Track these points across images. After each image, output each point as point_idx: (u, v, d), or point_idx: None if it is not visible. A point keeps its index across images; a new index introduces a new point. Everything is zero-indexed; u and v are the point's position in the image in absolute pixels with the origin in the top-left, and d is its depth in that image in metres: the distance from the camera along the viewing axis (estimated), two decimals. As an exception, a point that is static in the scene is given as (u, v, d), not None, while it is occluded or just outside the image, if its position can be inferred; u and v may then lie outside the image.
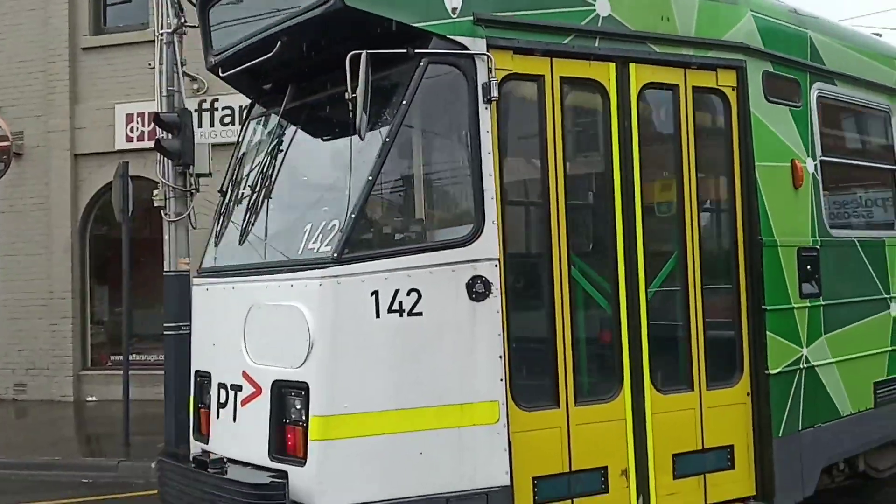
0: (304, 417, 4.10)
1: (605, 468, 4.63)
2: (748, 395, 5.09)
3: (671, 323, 4.98)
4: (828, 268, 5.58)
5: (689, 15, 5.02)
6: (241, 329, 4.51)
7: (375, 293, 4.08)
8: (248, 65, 4.81)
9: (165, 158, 9.17)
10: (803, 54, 5.68)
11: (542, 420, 4.45)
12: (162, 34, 9.29)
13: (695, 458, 4.90)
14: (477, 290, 4.20)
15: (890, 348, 6.17)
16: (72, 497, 7.82)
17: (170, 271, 9.33)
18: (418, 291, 4.13)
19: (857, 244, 5.97)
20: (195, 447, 4.96)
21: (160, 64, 9.31)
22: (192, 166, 9.17)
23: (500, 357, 4.25)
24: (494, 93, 4.28)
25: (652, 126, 5.01)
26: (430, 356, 4.17)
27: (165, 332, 9.32)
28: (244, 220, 4.90)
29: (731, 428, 5.03)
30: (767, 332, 5.08)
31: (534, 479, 4.39)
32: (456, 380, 4.19)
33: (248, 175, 5.15)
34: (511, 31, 4.45)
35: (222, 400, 4.64)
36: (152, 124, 10.59)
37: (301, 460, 4.08)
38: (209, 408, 4.85)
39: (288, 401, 4.21)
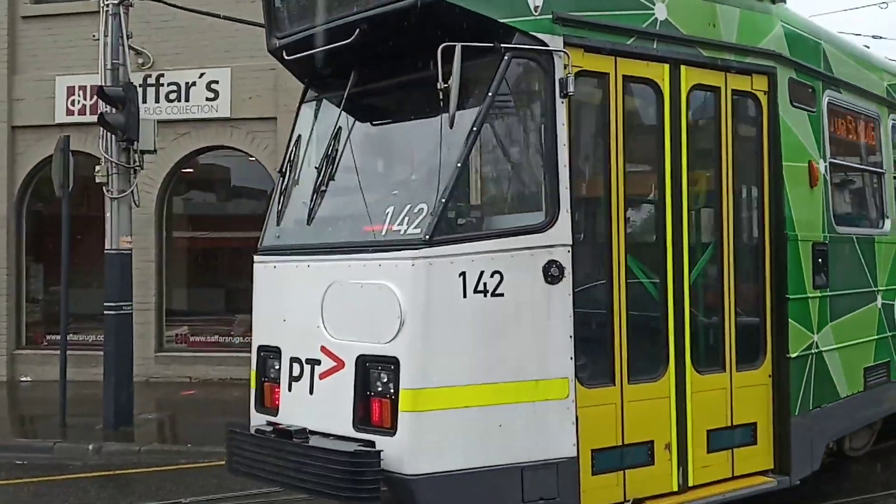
0: (392, 390, 4.30)
1: (652, 442, 4.99)
2: (769, 376, 5.52)
3: (707, 309, 5.36)
4: (834, 261, 6.08)
5: (732, 23, 5.40)
6: (319, 305, 4.66)
7: (463, 274, 4.31)
8: (320, 49, 4.93)
9: (109, 133, 9.08)
10: (818, 63, 6.14)
11: (601, 396, 4.76)
12: (107, 5, 9.15)
13: (725, 433, 5.31)
14: (552, 273, 4.47)
15: (876, 336, 6.75)
16: (5, 479, 7.69)
17: (111, 250, 9.28)
18: (500, 273, 4.38)
19: (855, 240, 6.50)
20: (257, 419, 5.09)
21: (105, 36, 9.18)
22: (136, 142, 9.08)
23: (570, 337, 4.54)
24: (571, 88, 4.54)
25: (697, 126, 5.35)
26: (510, 334, 4.43)
27: (106, 312, 9.28)
28: (313, 200, 5.02)
29: (755, 406, 5.46)
30: (789, 320, 5.53)
31: (592, 451, 4.71)
32: (532, 357, 4.47)
33: (312, 157, 5.26)
34: (583, 30, 4.72)
35: (295, 374, 4.79)
36: (95, 98, 10.43)
37: (389, 430, 4.28)
38: (275, 381, 5.00)
39: (374, 374, 4.40)
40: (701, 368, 5.20)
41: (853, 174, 6.93)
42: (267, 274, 5.16)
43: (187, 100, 12.52)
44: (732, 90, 5.40)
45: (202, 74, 12.35)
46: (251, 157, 12.51)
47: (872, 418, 6.89)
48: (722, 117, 5.36)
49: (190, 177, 13.44)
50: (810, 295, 5.80)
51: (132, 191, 9.27)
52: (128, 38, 9.29)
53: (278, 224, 5.30)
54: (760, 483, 5.36)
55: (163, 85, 12.52)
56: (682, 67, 5.15)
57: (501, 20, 4.49)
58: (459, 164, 4.36)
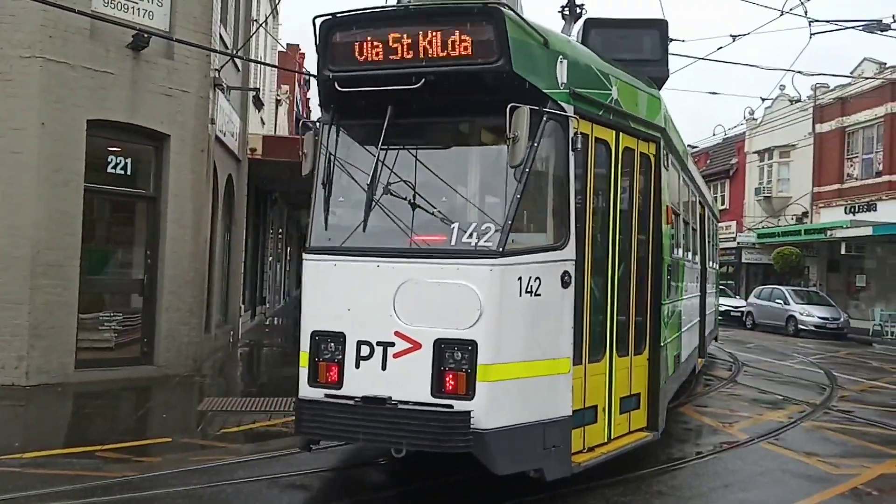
0: (466, 365, 5.61)
1: (596, 406, 6.81)
2: (647, 359, 7.65)
3: (622, 310, 7.30)
4: (671, 278, 8.43)
5: (643, 103, 7.46)
6: (391, 298, 5.77)
7: (520, 278, 5.77)
8: (381, 88, 5.99)
9: None
10: (671, 136, 8.47)
11: (577, 372, 6.47)
12: None
13: (627, 400, 7.31)
14: (565, 280, 6.11)
15: (678, 333, 9.29)
16: None
17: None
18: (540, 279, 5.91)
19: (676, 263, 8.96)
20: (310, 392, 5.98)
21: None
22: None
23: (571, 327, 6.20)
24: (578, 145, 6.22)
25: (624, 177, 7.28)
26: (543, 324, 5.98)
27: None
28: (367, 212, 6.06)
29: (640, 381, 7.55)
30: (661, 319, 7.72)
31: (573, 411, 6.39)
32: (553, 341, 6.05)
33: (355, 174, 6.26)
34: (581, 102, 6.41)
35: (364, 354, 5.81)
36: None
37: (467, 396, 5.58)
38: (331, 361, 5.95)
39: (449, 353, 5.65)
40: (620, 353, 7.14)
41: (674, 216, 9.43)
42: (325, 270, 6.06)
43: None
44: (640, 153, 7.46)
45: None
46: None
47: (675, 390, 9.44)
48: (635, 171, 7.39)
49: None
50: (668, 302, 8.07)
51: None
52: None
53: (326, 229, 6.22)
54: (646, 436, 7.45)
55: None
56: (621, 134, 7.07)
57: (544, 90, 6.02)
58: (518, 196, 5.82)
